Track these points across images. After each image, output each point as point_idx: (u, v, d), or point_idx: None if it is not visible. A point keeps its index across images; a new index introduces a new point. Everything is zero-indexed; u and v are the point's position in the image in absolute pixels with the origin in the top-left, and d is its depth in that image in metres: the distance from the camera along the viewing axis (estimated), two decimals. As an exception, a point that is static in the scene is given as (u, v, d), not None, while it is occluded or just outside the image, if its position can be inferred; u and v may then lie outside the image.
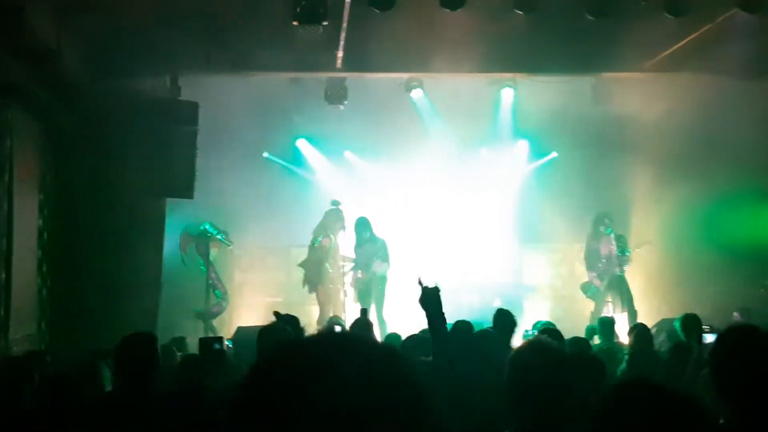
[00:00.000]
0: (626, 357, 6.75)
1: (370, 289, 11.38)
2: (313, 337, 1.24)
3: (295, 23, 8.38)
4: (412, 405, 1.15)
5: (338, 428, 1.08)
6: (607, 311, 11.36)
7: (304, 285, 11.85)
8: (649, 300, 11.97)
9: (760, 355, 2.64)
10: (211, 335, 9.28)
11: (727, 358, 2.69)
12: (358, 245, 11.57)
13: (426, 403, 1.16)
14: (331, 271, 11.77)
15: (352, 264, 11.70)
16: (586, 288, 12.13)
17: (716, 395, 2.66)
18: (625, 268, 11.76)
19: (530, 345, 2.85)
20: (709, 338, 4.65)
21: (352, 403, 1.10)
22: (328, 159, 12.84)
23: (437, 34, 9.34)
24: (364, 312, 8.26)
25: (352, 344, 1.20)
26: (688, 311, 7.27)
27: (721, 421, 2.61)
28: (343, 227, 11.61)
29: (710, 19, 9.31)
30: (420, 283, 4.07)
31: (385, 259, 11.37)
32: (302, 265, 11.93)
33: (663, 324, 8.87)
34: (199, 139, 10.32)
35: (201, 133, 10.33)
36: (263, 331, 5.06)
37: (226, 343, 8.50)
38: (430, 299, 3.99)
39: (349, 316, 10.80)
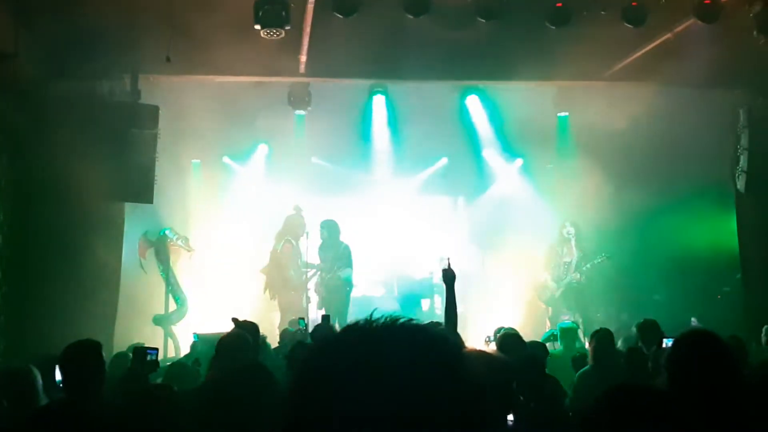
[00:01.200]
0: (589, 362, 6.79)
1: (333, 295, 11.31)
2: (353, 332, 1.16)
3: (257, 27, 8.33)
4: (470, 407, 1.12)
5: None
6: (566, 317, 11.45)
7: (265, 291, 11.76)
8: (606, 307, 12.08)
9: (715, 359, 2.67)
10: (143, 345, 9.05)
11: (683, 363, 2.71)
12: (321, 248, 11.50)
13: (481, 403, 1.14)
14: (293, 277, 11.69)
15: (315, 269, 11.63)
16: (541, 292, 12.21)
17: (673, 391, 2.69)
18: (583, 278, 11.86)
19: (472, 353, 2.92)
20: (669, 343, 4.67)
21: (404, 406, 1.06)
22: (290, 163, 12.76)
23: (401, 40, 9.35)
24: (326, 318, 8.20)
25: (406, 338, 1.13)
26: (646, 317, 7.38)
27: None
28: (305, 232, 11.53)
29: (668, 29, 9.47)
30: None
31: (348, 264, 11.31)
32: (264, 271, 11.84)
33: (621, 331, 8.96)
34: (160, 142, 10.19)
35: (161, 136, 10.21)
36: (223, 339, 5.02)
37: (193, 339, 8.46)
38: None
39: (312, 322, 10.73)
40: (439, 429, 1.07)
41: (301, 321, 8.65)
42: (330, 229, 11.38)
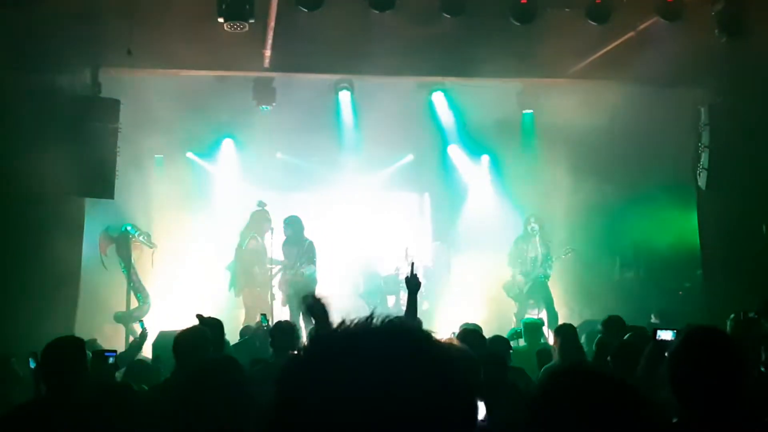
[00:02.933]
0: (554, 357, 6.82)
1: (297, 291, 11.22)
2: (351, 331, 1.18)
3: (220, 20, 8.21)
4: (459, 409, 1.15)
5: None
6: (531, 313, 11.50)
7: (230, 288, 11.64)
8: (570, 304, 12.16)
9: (722, 357, 2.66)
10: (95, 340, 8.95)
11: (689, 358, 2.69)
12: (285, 245, 11.42)
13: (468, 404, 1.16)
14: (258, 273, 11.58)
15: (280, 266, 11.54)
16: (508, 288, 12.24)
17: (672, 393, 2.68)
18: (549, 273, 11.91)
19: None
20: (663, 335, 4.65)
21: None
22: (254, 159, 12.64)
23: (366, 36, 9.30)
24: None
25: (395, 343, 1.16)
26: (610, 314, 7.44)
27: (675, 420, 2.63)
28: (271, 228, 11.43)
29: (632, 27, 9.54)
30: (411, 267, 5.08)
31: (312, 260, 11.24)
32: (229, 267, 11.72)
33: (584, 326, 9.02)
34: (121, 137, 10.03)
35: (122, 131, 10.05)
36: (180, 335, 4.92)
37: (140, 326, 8.37)
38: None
39: (277, 319, 10.64)
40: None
41: (263, 317, 8.56)
42: (294, 225, 11.30)
